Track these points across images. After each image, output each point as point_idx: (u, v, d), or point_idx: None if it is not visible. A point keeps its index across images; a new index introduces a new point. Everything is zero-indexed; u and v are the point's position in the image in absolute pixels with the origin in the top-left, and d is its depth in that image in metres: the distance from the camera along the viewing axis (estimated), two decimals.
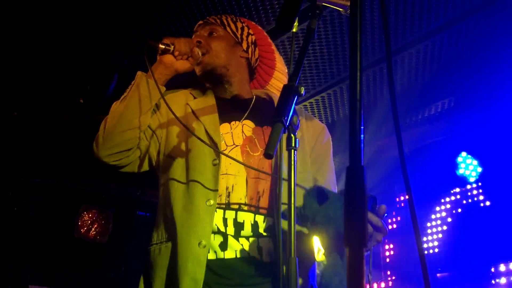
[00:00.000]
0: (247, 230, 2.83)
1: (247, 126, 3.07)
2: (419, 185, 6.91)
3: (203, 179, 2.87)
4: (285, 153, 2.12)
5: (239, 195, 2.89)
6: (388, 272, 7.34)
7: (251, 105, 3.17)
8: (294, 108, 2.07)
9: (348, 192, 1.39)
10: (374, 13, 4.76)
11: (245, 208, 2.87)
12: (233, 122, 3.07)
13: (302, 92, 2.09)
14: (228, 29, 3.21)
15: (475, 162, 6.65)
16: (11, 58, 5.47)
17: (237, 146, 2.99)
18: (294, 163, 2.06)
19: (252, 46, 3.27)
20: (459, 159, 6.74)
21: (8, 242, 7.26)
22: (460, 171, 6.71)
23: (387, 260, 7.39)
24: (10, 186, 7.07)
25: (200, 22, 3.29)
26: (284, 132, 2.00)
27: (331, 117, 6.48)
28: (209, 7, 4.73)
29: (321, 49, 5.26)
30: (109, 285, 7.41)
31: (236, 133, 3.03)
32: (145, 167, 3.11)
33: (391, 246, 7.42)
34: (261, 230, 2.84)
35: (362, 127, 1.45)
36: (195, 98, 3.18)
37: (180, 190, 2.90)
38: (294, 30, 2.29)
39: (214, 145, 2.92)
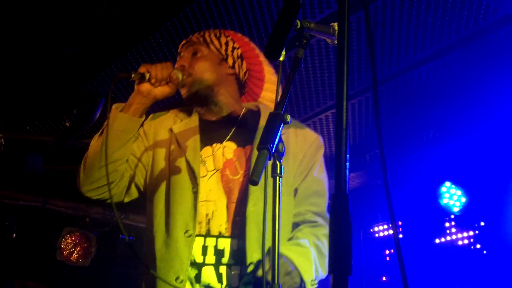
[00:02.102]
0: (226, 257, 2.82)
1: (228, 148, 3.05)
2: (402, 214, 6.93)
3: (182, 209, 2.87)
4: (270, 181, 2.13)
5: (219, 222, 2.88)
6: None
7: (237, 124, 3.13)
8: (280, 135, 2.08)
9: (332, 220, 1.40)
10: (360, 42, 4.80)
11: (226, 234, 2.86)
12: (214, 145, 3.05)
13: (288, 120, 2.10)
14: (211, 46, 3.16)
15: (459, 192, 6.66)
16: None
17: (217, 170, 2.97)
18: (279, 191, 2.07)
19: (239, 60, 3.20)
20: (443, 189, 6.75)
21: None
22: (444, 201, 6.72)
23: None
24: None
25: (184, 42, 3.24)
26: (270, 159, 2.01)
27: None
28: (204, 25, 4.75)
29: (307, 78, 5.29)
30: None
31: (217, 156, 3.01)
32: (133, 195, 3.10)
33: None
34: (241, 258, 2.80)
35: (347, 156, 1.47)
36: (181, 120, 3.16)
37: (162, 222, 2.91)
38: (281, 58, 2.31)
39: (192, 172, 2.92)
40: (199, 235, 2.85)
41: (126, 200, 3.08)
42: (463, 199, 6.62)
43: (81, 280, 7.42)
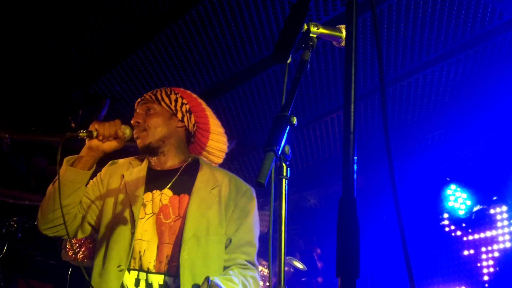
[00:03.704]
0: None
1: (165, 195, 3.50)
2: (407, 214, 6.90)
3: (119, 246, 3.36)
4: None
5: (149, 259, 3.36)
6: None
7: (177, 175, 3.58)
8: (286, 137, 2.08)
9: (340, 223, 1.40)
10: (366, 44, 4.80)
11: (154, 270, 3.34)
12: (155, 191, 3.51)
13: (294, 122, 2.11)
14: (163, 103, 3.59)
15: (464, 195, 6.62)
16: (3, 78, 5.48)
17: (154, 214, 3.44)
18: (285, 192, 2.08)
19: (187, 114, 3.65)
20: (448, 192, 6.72)
21: None
22: (449, 204, 6.69)
23: None
24: None
25: (139, 100, 3.69)
26: (276, 161, 2.01)
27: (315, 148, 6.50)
28: (206, 34, 4.77)
29: (313, 80, 5.29)
30: None
31: (156, 202, 3.48)
32: (87, 232, 3.57)
33: None
34: None
35: (355, 158, 1.47)
36: (133, 167, 3.64)
37: (101, 256, 3.41)
38: (288, 61, 2.32)
39: (132, 216, 3.40)
40: (134, 269, 3.35)
41: (80, 236, 3.56)
42: (469, 202, 6.59)
43: (86, 280, 7.40)
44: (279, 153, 2.01)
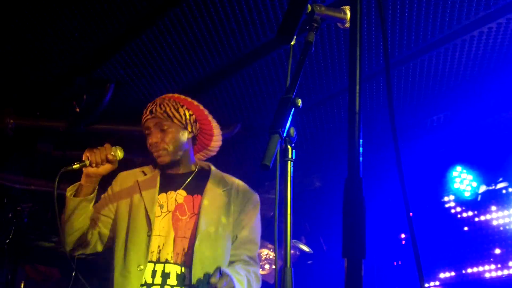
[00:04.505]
0: (172, 279, 3.68)
1: (180, 195, 3.93)
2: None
3: (138, 248, 3.73)
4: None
5: (167, 251, 3.74)
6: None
7: (190, 178, 4.02)
8: (291, 120, 2.08)
9: (346, 203, 1.40)
10: (371, 26, 4.78)
11: (172, 261, 3.72)
12: (169, 192, 3.93)
13: (299, 104, 2.11)
14: (175, 120, 3.94)
15: (470, 177, 6.61)
16: (7, 63, 5.48)
17: (170, 212, 3.85)
18: (291, 175, 2.08)
19: (194, 123, 4.05)
20: (454, 173, 6.71)
21: (2, 248, 7.24)
22: (455, 186, 6.69)
23: None
24: (5, 192, 7.05)
25: (148, 116, 3.97)
26: (281, 144, 2.01)
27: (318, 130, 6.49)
28: (210, 17, 4.75)
29: (317, 62, 5.28)
30: None
31: (171, 201, 3.90)
32: (105, 242, 3.98)
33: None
34: (185, 281, 3.67)
35: (361, 140, 1.46)
36: (145, 175, 4.05)
37: (121, 256, 3.78)
38: (292, 43, 2.31)
39: (148, 218, 3.79)
40: (151, 261, 3.72)
41: (100, 249, 3.98)
42: (475, 184, 6.58)
43: (93, 265, 7.43)
44: (284, 135, 2.01)
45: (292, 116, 2.09)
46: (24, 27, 4.92)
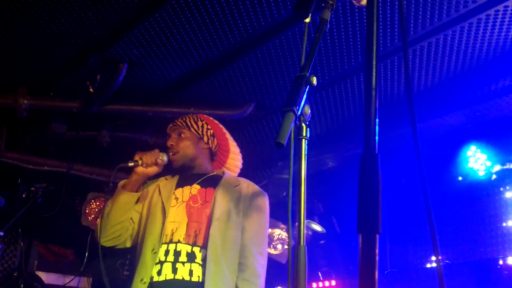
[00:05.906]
0: (183, 257, 4.10)
1: (194, 188, 4.40)
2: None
3: (153, 234, 4.21)
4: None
5: (180, 233, 4.18)
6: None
7: (206, 177, 4.48)
8: (306, 98, 2.06)
9: (362, 179, 1.39)
10: (386, 5, 4.73)
11: (183, 241, 4.14)
12: (185, 187, 4.41)
13: (314, 82, 2.09)
14: (192, 129, 4.53)
15: (484, 156, 6.57)
16: (21, 44, 5.48)
17: (184, 202, 4.31)
18: (305, 153, 2.06)
19: (211, 137, 4.61)
20: (469, 153, 6.67)
21: (16, 228, 7.28)
22: (469, 165, 6.65)
23: None
24: (19, 173, 7.08)
25: (171, 125, 4.61)
26: (296, 122, 1.99)
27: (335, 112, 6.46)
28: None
29: (332, 40, 5.24)
30: (114, 272, 7.43)
31: (186, 193, 4.37)
32: (134, 239, 4.46)
33: None
34: (196, 259, 4.10)
35: (377, 117, 1.45)
36: (166, 180, 4.56)
37: (141, 243, 4.30)
38: (307, 20, 2.29)
39: (163, 208, 4.28)
40: (164, 243, 4.17)
41: (128, 245, 4.46)
42: (489, 163, 6.54)
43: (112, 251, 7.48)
44: (299, 113, 1.99)
45: (307, 94, 2.07)
46: (38, 7, 4.91)
